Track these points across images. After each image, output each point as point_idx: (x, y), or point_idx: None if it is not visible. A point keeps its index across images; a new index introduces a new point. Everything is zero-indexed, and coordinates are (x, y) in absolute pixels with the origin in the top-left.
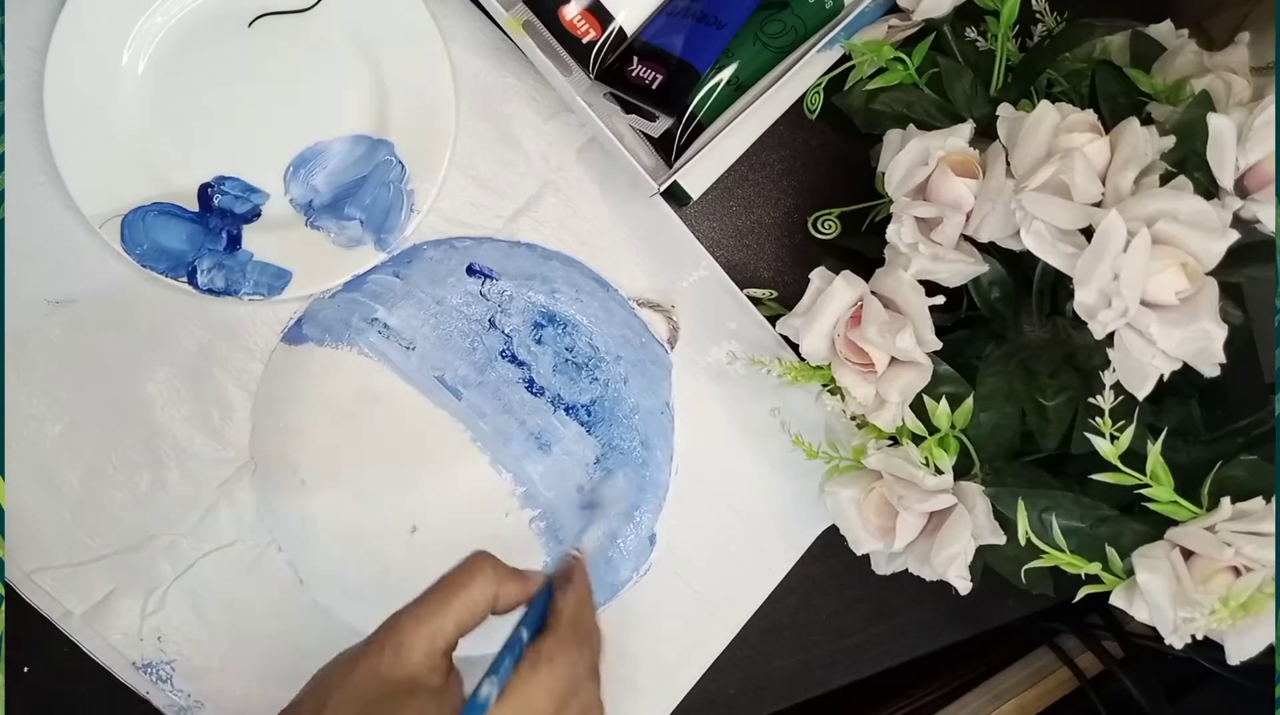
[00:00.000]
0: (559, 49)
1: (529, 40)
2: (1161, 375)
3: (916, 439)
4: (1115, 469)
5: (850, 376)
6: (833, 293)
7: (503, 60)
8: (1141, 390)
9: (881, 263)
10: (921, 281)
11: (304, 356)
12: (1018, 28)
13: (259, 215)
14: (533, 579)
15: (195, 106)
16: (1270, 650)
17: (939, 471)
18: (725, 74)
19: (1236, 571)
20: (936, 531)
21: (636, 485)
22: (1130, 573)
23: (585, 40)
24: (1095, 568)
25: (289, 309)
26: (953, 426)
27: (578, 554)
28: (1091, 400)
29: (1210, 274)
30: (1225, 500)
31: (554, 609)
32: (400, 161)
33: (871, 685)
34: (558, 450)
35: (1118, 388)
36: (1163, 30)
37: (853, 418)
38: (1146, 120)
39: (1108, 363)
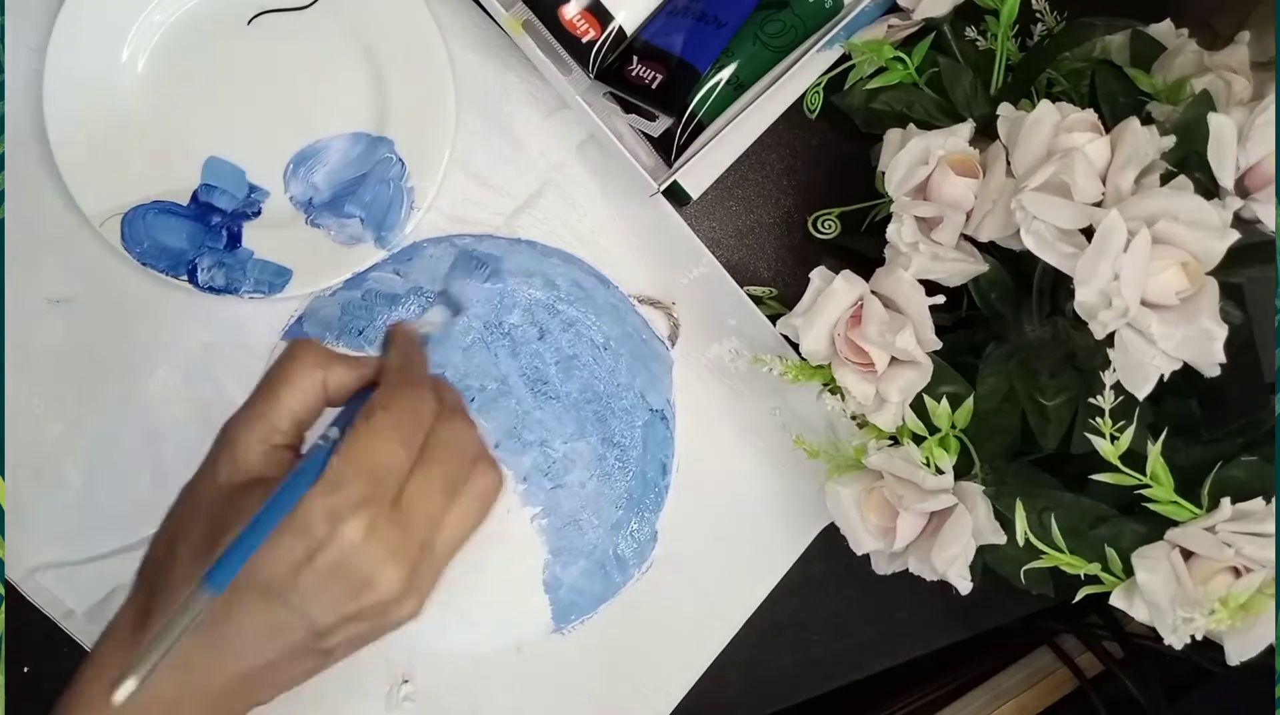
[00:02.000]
0: (559, 48)
1: (529, 40)
2: (1162, 375)
3: (917, 439)
4: (1115, 469)
5: (850, 376)
6: (833, 292)
7: (502, 57)
8: (1142, 390)
9: (881, 262)
10: (922, 281)
11: None
12: (1018, 27)
13: (259, 213)
14: (365, 361)
15: (195, 104)
16: (1270, 650)
17: (939, 471)
18: (725, 73)
19: (1236, 572)
20: (937, 531)
21: (631, 478)
22: (1130, 573)
23: (585, 40)
24: (1095, 568)
25: (290, 307)
26: (953, 426)
27: (396, 327)
28: (1091, 400)
29: (1211, 274)
30: (1225, 501)
31: (383, 366)
32: (400, 159)
33: (871, 685)
34: (559, 447)
35: (1118, 388)
36: (1163, 30)
37: (853, 417)
38: (1147, 120)
39: (1108, 363)
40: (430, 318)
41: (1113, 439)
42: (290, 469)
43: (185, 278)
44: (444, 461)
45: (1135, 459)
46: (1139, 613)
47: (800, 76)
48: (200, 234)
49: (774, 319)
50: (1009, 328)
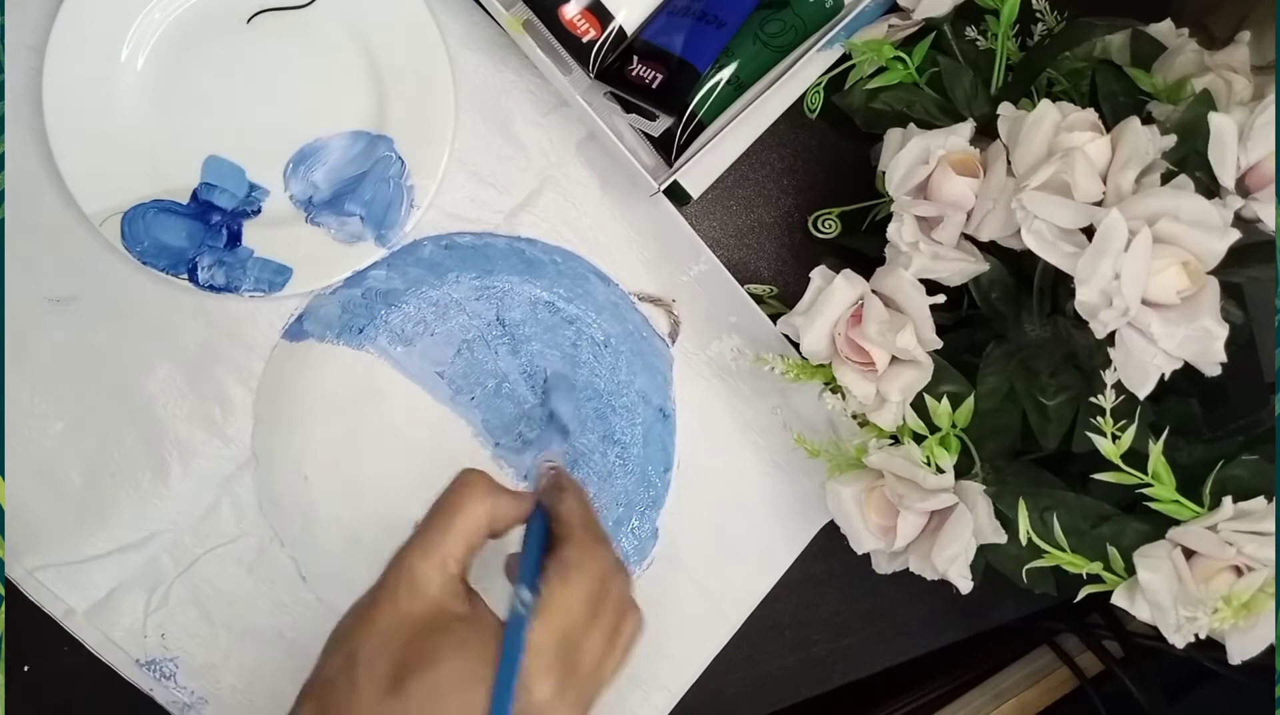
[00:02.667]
0: (559, 48)
1: (529, 39)
2: (1162, 374)
3: (917, 438)
4: (1117, 468)
5: (851, 375)
6: (833, 291)
7: (501, 56)
8: (1143, 389)
9: (882, 262)
10: (922, 280)
11: (305, 353)
12: (1018, 27)
13: (259, 211)
14: (524, 497)
15: (195, 103)
16: (1271, 650)
17: (940, 470)
18: (725, 73)
19: (1238, 571)
20: (937, 531)
21: (629, 474)
22: (1132, 572)
23: (585, 39)
24: (1096, 567)
25: (290, 305)
26: (954, 425)
27: (554, 462)
28: (1092, 399)
29: (1211, 273)
30: (1227, 500)
31: (561, 518)
32: (400, 157)
33: (871, 685)
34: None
35: (1119, 387)
36: (1163, 29)
37: (854, 416)
38: (1147, 119)
39: (1109, 362)
40: (555, 453)
41: (1114, 438)
42: (467, 603)
43: (185, 276)
44: (611, 615)
45: (1137, 458)
46: (1141, 612)
47: (800, 76)
48: (200, 233)
49: (774, 318)
50: (1010, 327)
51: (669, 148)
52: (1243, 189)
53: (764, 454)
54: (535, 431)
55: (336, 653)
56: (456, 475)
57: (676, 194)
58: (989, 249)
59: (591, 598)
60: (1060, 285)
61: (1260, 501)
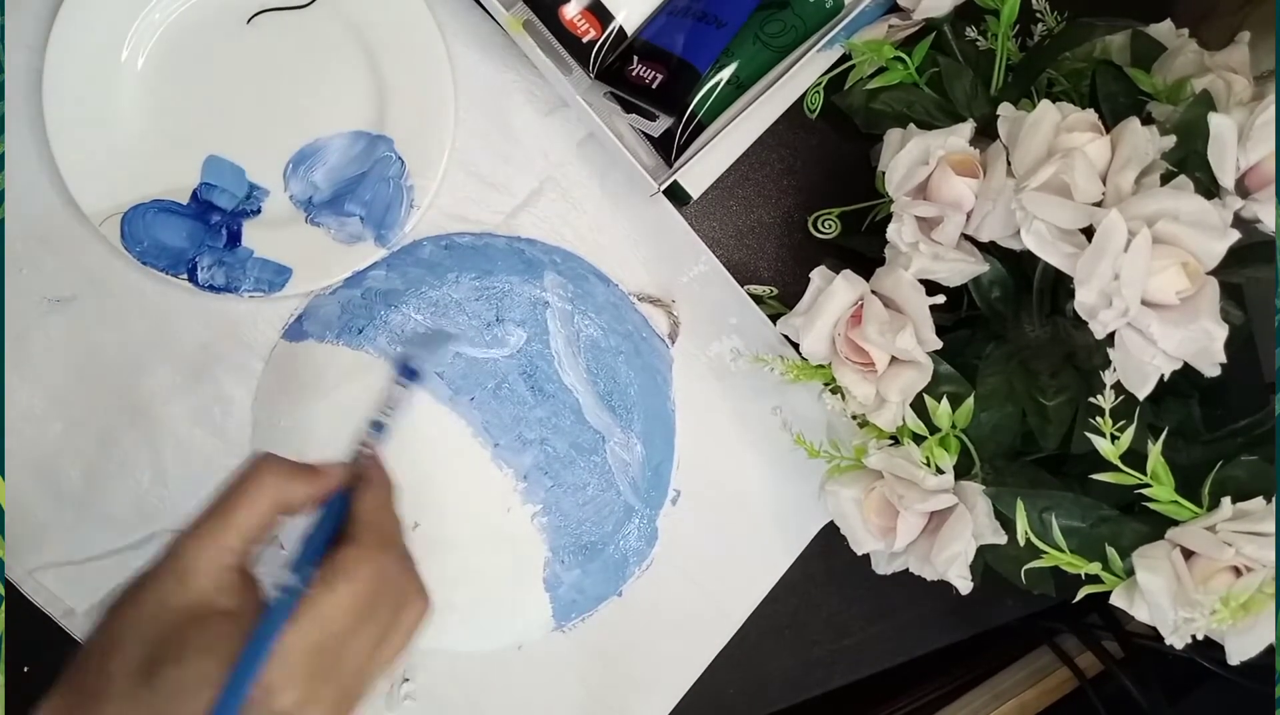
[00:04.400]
0: (559, 48)
1: (529, 40)
2: (1162, 375)
3: (917, 438)
4: (1116, 469)
5: (851, 376)
6: (833, 292)
7: (502, 56)
8: (1142, 390)
9: (882, 262)
10: (922, 281)
11: (305, 353)
12: (1018, 27)
13: (259, 212)
14: (325, 474)
15: (195, 103)
16: (1270, 650)
17: (940, 471)
18: (725, 73)
19: (1237, 571)
20: (937, 531)
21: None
22: (1130, 573)
23: (585, 40)
24: (1095, 567)
25: (290, 306)
26: (953, 426)
27: (369, 449)
28: (1092, 400)
29: (1211, 274)
30: (1226, 500)
31: (353, 512)
32: (400, 157)
33: (871, 685)
34: (559, 445)
35: (1118, 387)
36: (1163, 30)
37: (853, 417)
38: (1147, 120)
39: (1108, 362)
40: (391, 403)
41: (1113, 438)
42: (236, 597)
43: (185, 276)
44: (384, 615)
45: (1136, 458)
46: (1139, 612)
47: (800, 76)
48: (200, 233)
49: (774, 318)
50: (1009, 327)
51: (669, 148)
52: (1242, 189)
53: (764, 454)
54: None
55: (99, 630)
56: (249, 460)
57: (676, 194)
58: (989, 249)
59: (359, 605)
60: (1060, 285)
61: (1259, 502)
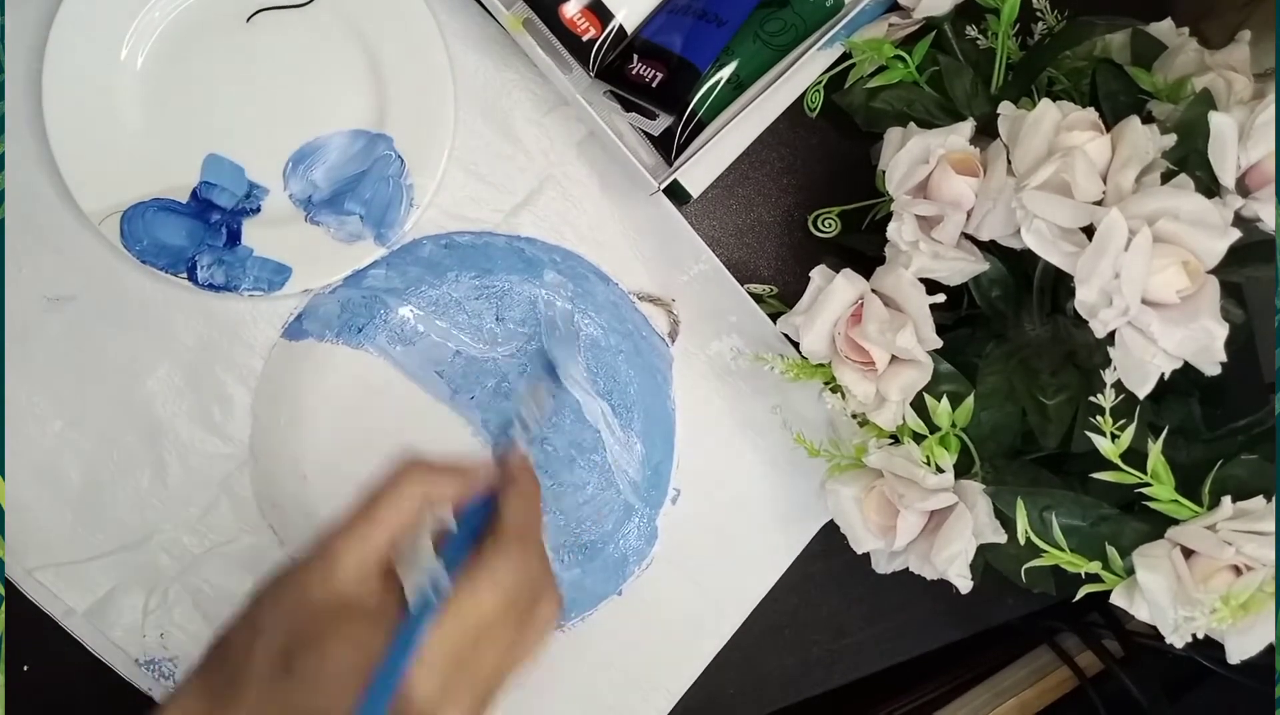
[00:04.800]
0: (559, 47)
1: (529, 38)
2: (1162, 374)
3: (917, 437)
4: (1116, 468)
5: (851, 375)
6: (833, 291)
7: (501, 54)
8: (1142, 389)
9: (882, 261)
10: (922, 279)
11: (305, 352)
12: (1018, 26)
13: (259, 210)
14: (472, 474)
15: (194, 102)
16: (1270, 649)
17: (940, 470)
18: (725, 72)
19: (1237, 570)
20: (937, 530)
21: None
22: (1131, 571)
23: (585, 38)
24: (1095, 566)
25: (289, 304)
26: (953, 425)
27: (516, 450)
28: (1092, 399)
29: (1211, 272)
30: (1226, 499)
31: (499, 513)
32: (399, 156)
33: (871, 685)
34: (559, 444)
35: (1118, 386)
36: (1163, 28)
37: (854, 416)
38: (1147, 118)
39: (1108, 361)
40: (542, 410)
41: (1113, 437)
42: (378, 594)
43: (185, 275)
44: (518, 616)
45: (1136, 457)
46: (1140, 611)
47: (801, 75)
48: (200, 231)
49: (774, 317)
50: (1009, 326)
51: (669, 147)
52: (1243, 188)
53: (764, 454)
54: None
55: (244, 617)
56: (395, 459)
57: (676, 193)
58: (989, 249)
59: (502, 606)
60: (1060, 285)
61: (1259, 501)
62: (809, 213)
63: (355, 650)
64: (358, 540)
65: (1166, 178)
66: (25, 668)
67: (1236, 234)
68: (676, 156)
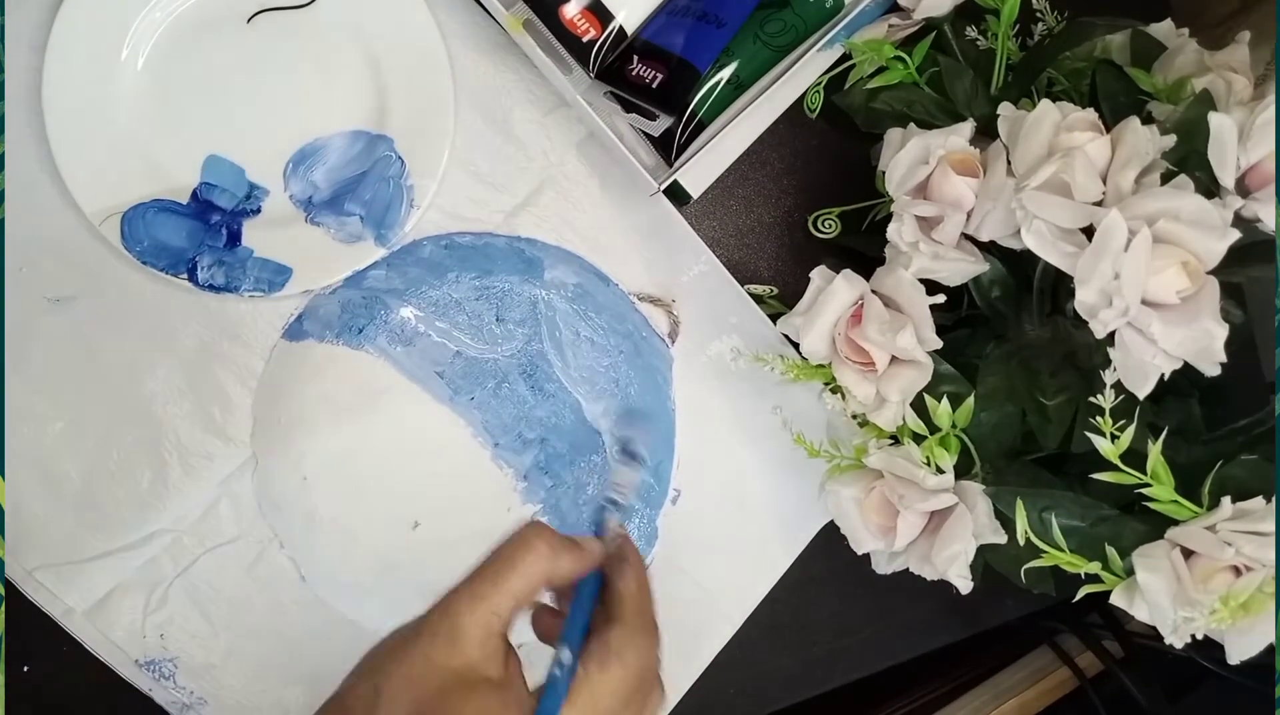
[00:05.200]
0: (559, 48)
1: (529, 39)
2: (1162, 374)
3: (917, 438)
4: (1116, 468)
5: (851, 375)
6: (833, 291)
7: (501, 55)
8: (1142, 389)
9: (882, 262)
10: (922, 280)
11: (305, 353)
12: (1018, 27)
13: (259, 211)
14: (588, 550)
15: (195, 102)
16: (1270, 650)
17: (940, 471)
18: (725, 73)
19: (1237, 571)
20: (937, 531)
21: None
22: (1130, 572)
23: (585, 39)
24: (1095, 567)
25: (290, 305)
26: (953, 426)
27: (621, 529)
28: (1092, 399)
29: (1211, 273)
30: (1226, 500)
31: (616, 595)
32: (400, 157)
33: (871, 685)
34: (559, 444)
35: (1118, 387)
36: (1163, 29)
37: (854, 416)
38: (1147, 119)
39: (1108, 362)
40: (629, 488)
41: (1113, 438)
42: (500, 665)
43: (185, 276)
44: (639, 700)
45: (1136, 458)
46: (1139, 612)
47: (801, 76)
48: (200, 232)
49: (774, 318)
50: (1009, 327)
51: (669, 147)
52: (1242, 189)
53: (764, 454)
54: (601, 458)
55: (364, 681)
56: (522, 527)
57: (676, 194)
58: (989, 249)
59: (627, 687)
60: (1060, 285)
61: (1259, 501)
62: (809, 213)
63: None
64: (484, 606)
65: (1166, 178)
66: (25, 668)
67: (1236, 234)
68: (676, 157)
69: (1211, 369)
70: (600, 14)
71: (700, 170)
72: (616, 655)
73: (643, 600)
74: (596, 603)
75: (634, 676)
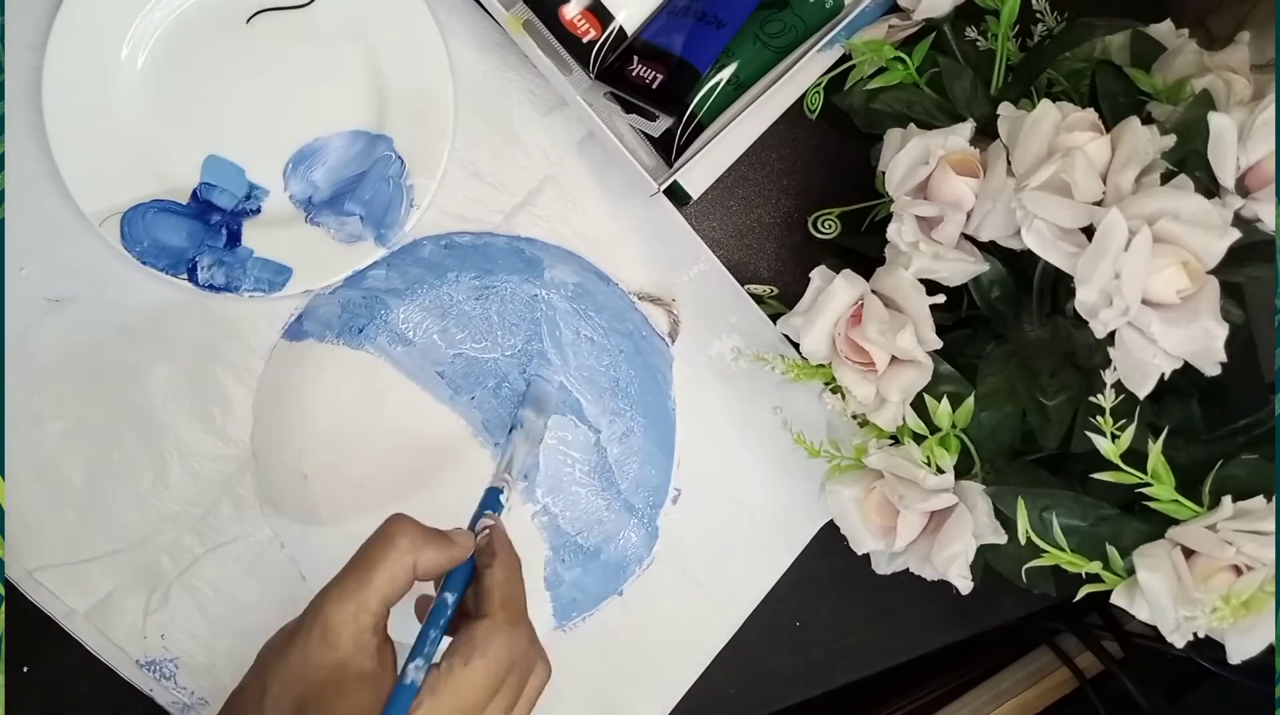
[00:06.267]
0: (559, 48)
1: (529, 40)
2: (1162, 374)
3: (917, 438)
4: (1116, 468)
5: (851, 375)
6: (833, 292)
7: (501, 55)
8: (1142, 389)
9: (882, 262)
10: (922, 280)
11: (305, 353)
12: (1018, 27)
13: (259, 211)
14: (456, 541)
15: (194, 102)
16: (1271, 650)
17: (940, 471)
18: (725, 73)
19: (1237, 570)
20: (937, 531)
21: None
22: (1131, 572)
23: (585, 40)
24: (1096, 567)
25: (290, 305)
26: (953, 426)
27: (491, 521)
28: (1092, 399)
29: (1211, 273)
30: (1226, 499)
31: (483, 586)
32: (399, 157)
33: (871, 685)
34: (559, 444)
35: (1118, 387)
36: (1163, 30)
37: (854, 416)
38: (1147, 119)
39: (1108, 362)
40: (513, 466)
41: (1113, 438)
42: (374, 659)
43: (185, 276)
44: (512, 688)
45: (1136, 457)
46: (1140, 611)
47: (800, 76)
48: (200, 232)
49: (774, 318)
50: (1009, 327)
51: (669, 148)
52: (1242, 189)
53: (764, 454)
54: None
55: (255, 679)
56: (385, 522)
57: (676, 194)
58: (989, 249)
59: (492, 679)
60: (1060, 285)
61: (1259, 501)
62: (809, 214)
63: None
64: (353, 606)
65: (1166, 178)
66: (25, 668)
67: (1236, 234)
68: (676, 158)
69: (1211, 369)
70: (600, 14)
71: (700, 171)
72: (480, 649)
73: (510, 592)
74: (465, 593)
75: (499, 668)
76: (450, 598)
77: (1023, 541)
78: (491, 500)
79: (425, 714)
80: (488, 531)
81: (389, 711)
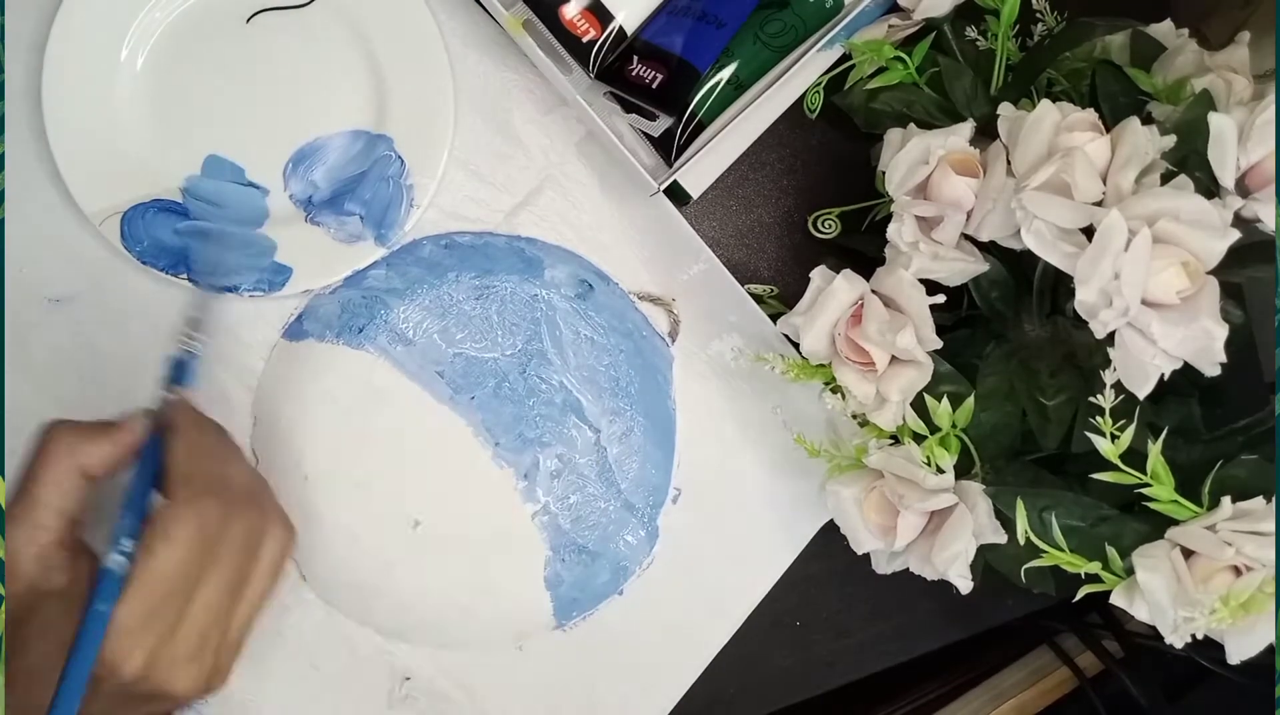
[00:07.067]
0: (559, 48)
1: (529, 39)
2: (1162, 374)
3: (917, 438)
4: (1116, 468)
5: (851, 375)
6: (833, 292)
7: (501, 54)
8: (1142, 389)
9: (882, 262)
10: (922, 280)
11: (305, 352)
12: (1018, 27)
13: None
14: (124, 429)
15: (194, 102)
16: (1270, 650)
17: (940, 470)
18: (725, 73)
19: (1237, 571)
20: (937, 531)
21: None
22: (1130, 572)
23: (585, 39)
24: (1095, 567)
25: (289, 305)
26: (953, 425)
27: (173, 395)
28: (1092, 399)
29: (1211, 273)
30: (1226, 499)
31: (165, 468)
32: (399, 156)
33: (871, 685)
34: (559, 444)
35: (1118, 387)
36: (1163, 30)
37: (854, 416)
38: (1147, 119)
39: (1108, 362)
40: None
41: (1113, 438)
42: (67, 573)
43: (185, 276)
44: (230, 560)
45: (1136, 458)
46: (1139, 612)
47: (800, 76)
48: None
49: (774, 318)
50: (1009, 327)
51: (669, 148)
52: (1243, 189)
53: (764, 454)
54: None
55: None
56: (39, 433)
57: (676, 194)
58: (989, 249)
59: (188, 561)
60: (1060, 285)
61: (1259, 501)
62: (809, 214)
63: (49, 640)
64: (26, 528)
65: (1166, 178)
66: None
67: (1236, 234)
68: (676, 158)
69: (1211, 369)
70: (600, 14)
71: (700, 170)
72: (161, 535)
73: (190, 469)
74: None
75: (187, 552)
76: (133, 491)
77: (1022, 542)
78: (176, 373)
79: (125, 609)
80: (171, 406)
81: (85, 619)
